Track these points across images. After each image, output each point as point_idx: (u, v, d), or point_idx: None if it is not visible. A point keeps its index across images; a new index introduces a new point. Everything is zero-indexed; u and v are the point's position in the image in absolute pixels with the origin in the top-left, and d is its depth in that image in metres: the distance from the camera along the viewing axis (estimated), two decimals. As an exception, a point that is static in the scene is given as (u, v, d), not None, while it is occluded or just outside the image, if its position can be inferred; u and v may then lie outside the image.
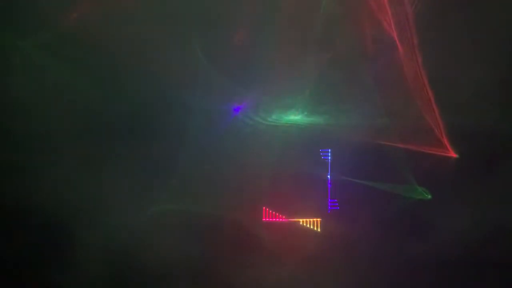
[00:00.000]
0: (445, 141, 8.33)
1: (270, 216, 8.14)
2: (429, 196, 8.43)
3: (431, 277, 7.92)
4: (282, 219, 8.22)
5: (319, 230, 8.21)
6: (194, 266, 7.79)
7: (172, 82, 7.95)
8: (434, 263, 7.97)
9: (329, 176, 8.39)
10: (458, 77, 8.20)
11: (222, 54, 8.05)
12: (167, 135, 8.04)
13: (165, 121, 8.01)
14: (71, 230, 7.80)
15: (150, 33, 7.92)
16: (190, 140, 8.05)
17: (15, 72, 7.86)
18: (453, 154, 8.34)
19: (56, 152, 7.93)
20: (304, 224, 8.23)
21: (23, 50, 7.83)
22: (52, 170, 7.89)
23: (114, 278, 7.74)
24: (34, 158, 7.91)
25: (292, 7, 8.05)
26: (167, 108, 8.00)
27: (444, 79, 8.25)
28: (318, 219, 8.27)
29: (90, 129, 7.99)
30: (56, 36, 7.81)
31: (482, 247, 7.95)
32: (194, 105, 8.05)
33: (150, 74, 7.95)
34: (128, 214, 7.83)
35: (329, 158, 8.42)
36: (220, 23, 7.99)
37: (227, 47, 8.04)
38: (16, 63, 7.87)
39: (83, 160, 7.96)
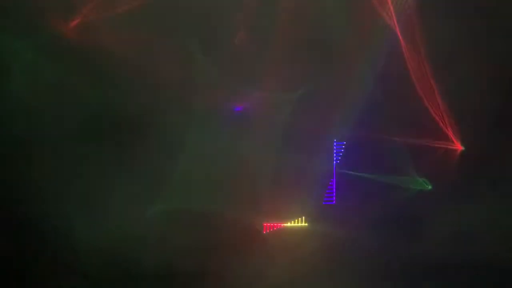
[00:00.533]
0: (450, 134, 8.31)
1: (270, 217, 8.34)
2: (429, 187, 8.52)
3: (432, 276, 8.08)
4: (282, 222, 8.42)
5: (318, 226, 8.39)
6: (194, 266, 7.98)
7: (172, 82, 7.96)
8: (437, 259, 8.08)
9: (334, 170, 8.49)
10: (463, 69, 8.05)
11: (223, 53, 8.02)
12: (167, 135, 8.10)
13: (165, 121, 8.06)
14: (70, 231, 7.94)
15: (149, 33, 7.88)
16: (191, 139, 8.12)
17: (12, 74, 7.89)
18: (458, 147, 8.35)
19: (55, 152, 8.01)
20: (304, 220, 8.44)
21: (22, 51, 7.84)
22: (51, 170, 8.00)
23: (115, 279, 7.95)
24: (32, 159, 7.99)
25: (291, 4, 7.93)
26: (167, 108, 8.03)
27: (449, 71, 8.11)
28: (318, 214, 8.44)
29: (89, 129, 8.04)
30: (55, 36, 7.79)
31: (487, 242, 8.06)
32: (194, 105, 8.08)
33: (149, 74, 7.94)
34: (128, 215, 7.94)
35: (334, 152, 8.51)
36: (221, 22, 7.92)
37: (227, 46, 7.99)
38: (14, 64, 7.89)
39: (83, 160, 8.07)
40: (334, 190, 8.45)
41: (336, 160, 8.47)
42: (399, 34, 8.16)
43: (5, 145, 7.96)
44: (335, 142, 8.48)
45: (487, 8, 8.03)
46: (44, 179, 7.96)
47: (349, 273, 7.99)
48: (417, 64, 8.22)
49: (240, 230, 8.10)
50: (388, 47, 8.16)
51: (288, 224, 8.37)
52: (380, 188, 8.38)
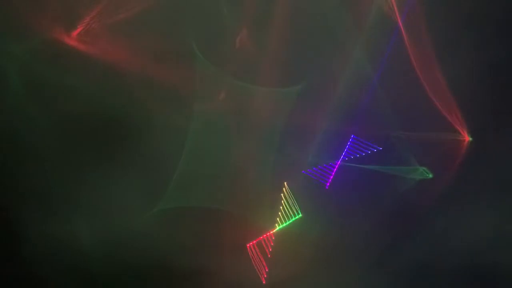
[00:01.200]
0: (458, 125, 8.23)
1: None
2: (430, 175, 8.54)
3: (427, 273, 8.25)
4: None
5: (315, 222, 8.44)
6: (194, 265, 8.09)
7: (173, 83, 7.89)
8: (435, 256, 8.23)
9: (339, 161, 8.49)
10: (470, 58, 7.89)
11: (222, 52, 7.91)
12: (166, 135, 8.08)
13: (165, 122, 8.01)
14: (70, 231, 8.05)
15: (147, 30, 7.74)
16: (190, 138, 8.12)
17: (14, 78, 7.82)
18: (466, 138, 8.29)
19: (56, 153, 8.03)
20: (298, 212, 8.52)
21: (18, 55, 7.70)
22: (52, 171, 8.05)
23: (117, 278, 8.12)
24: (34, 160, 8.02)
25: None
26: (168, 109, 7.97)
27: (455, 61, 7.93)
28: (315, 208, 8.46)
29: (89, 130, 8.05)
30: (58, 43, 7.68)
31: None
32: (193, 104, 8.03)
33: (147, 74, 7.85)
34: (128, 215, 8.04)
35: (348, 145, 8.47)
36: (220, 24, 7.79)
37: (227, 45, 7.88)
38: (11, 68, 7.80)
39: (83, 160, 8.08)
40: (331, 178, 8.46)
41: (344, 154, 8.48)
42: (402, 28, 7.92)
43: (9, 148, 7.94)
44: (352, 136, 8.43)
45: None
46: (45, 180, 8.04)
47: (348, 269, 8.20)
48: (422, 56, 8.01)
49: (239, 229, 8.18)
50: (390, 40, 7.96)
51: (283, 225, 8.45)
52: (383, 181, 8.41)
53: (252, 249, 8.21)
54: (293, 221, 8.35)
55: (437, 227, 8.26)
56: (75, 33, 7.62)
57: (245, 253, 8.19)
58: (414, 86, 8.07)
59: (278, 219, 8.31)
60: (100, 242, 8.06)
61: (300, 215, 8.36)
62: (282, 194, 8.29)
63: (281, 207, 8.31)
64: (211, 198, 8.25)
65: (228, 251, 8.14)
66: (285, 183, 8.30)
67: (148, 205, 8.20)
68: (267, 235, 8.27)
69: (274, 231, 8.32)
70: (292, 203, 8.32)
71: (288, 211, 8.34)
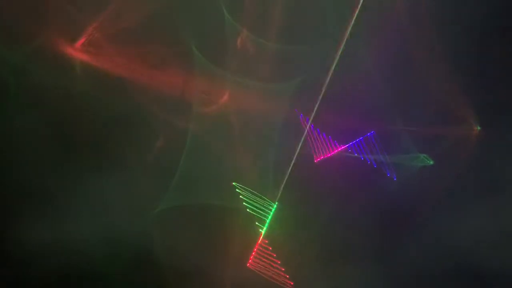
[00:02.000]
0: (464, 115, 8.16)
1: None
2: (431, 162, 8.54)
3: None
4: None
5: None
6: (197, 266, 8.08)
7: (171, 82, 7.86)
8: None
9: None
10: (473, 48, 7.86)
11: (221, 52, 7.82)
12: (167, 135, 8.03)
13: (166, 122, 7.97)
14: (72, 232, 8.00)
15: (149, 35, 7.68)
16: (190, 139, 8.04)
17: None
18: (474, 128, 8.23)
19: (57, 154, 7.95)
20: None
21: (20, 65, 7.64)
22: (53, 172, 7.97)
23: (117, 278, 8.07)
24: (35, 158, 7.93)
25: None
26: (165, 108, 7.90)
27: (458, 51, 7.85)
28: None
29: (91, 132, 7.98)
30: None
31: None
32: (193, 104, 7.97)
33: (148, 75, 7.83)
34: (128, 214, 8.02)
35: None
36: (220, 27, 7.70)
37: (226, 45, 7.79)
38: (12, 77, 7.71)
39: (84, 161, 8.01)
40: (324, 156, 8.35)
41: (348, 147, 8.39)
42: (402, 15, 7.78)
43: (9, 144, 7.87)
44: (373, 132, 8.33)
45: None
46: (45, 181, 7.94)
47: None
48: (424, 47, 7.90)
49: (241, 229, 8.13)
50: (390, 31, 7.81)
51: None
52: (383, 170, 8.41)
53: (254, 265, 8.17)
54: (288, 220, 8.29)
55: (439, 224, 8.28)
56: (78, 43, 7.61)
57: (246, 253, 8.16)
58: (417, 77, 7.99)
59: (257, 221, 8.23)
60: (100, 242, 8.03)
61: (276, 203, 8.25)
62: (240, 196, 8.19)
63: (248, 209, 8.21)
64: (212, 198, 8.21)
65: (230, 251, 8.10)
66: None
67: (148, 205, 8.14)
68: (259, 242, 8.21)
69: (263, 235, 8.23)
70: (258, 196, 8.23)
71: (261, 208, 8.28)
